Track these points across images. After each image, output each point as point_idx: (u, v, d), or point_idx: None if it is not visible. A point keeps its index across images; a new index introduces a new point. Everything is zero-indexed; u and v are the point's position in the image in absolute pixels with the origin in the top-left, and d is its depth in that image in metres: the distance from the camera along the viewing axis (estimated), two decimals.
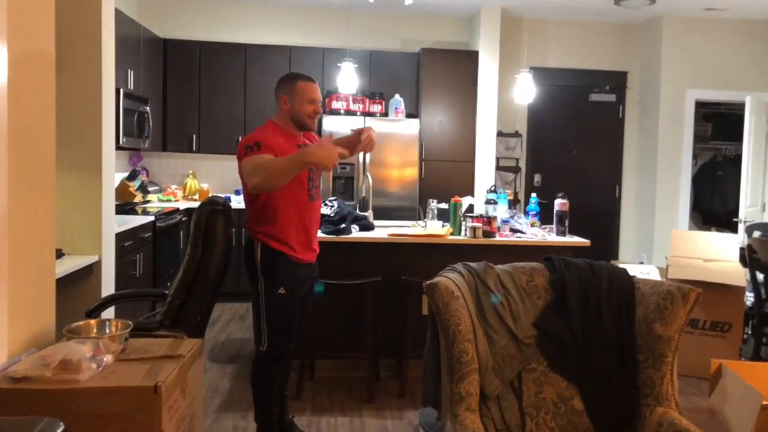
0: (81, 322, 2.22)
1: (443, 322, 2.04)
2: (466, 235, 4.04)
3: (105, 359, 1.95)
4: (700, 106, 6.96)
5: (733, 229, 6.21)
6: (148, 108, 5.42)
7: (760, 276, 4.33)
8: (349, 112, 6.15)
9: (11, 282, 1.90)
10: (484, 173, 6.42)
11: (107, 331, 2.21)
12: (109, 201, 3.63)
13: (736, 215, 6.17)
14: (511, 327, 2.13)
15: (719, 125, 7.45)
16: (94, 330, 2.21)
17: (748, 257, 4.28)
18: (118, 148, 4.87)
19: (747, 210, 6.01)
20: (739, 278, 4.14)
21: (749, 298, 4.39)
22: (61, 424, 1.25)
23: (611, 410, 2.07)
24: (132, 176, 5.56)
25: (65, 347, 1.93)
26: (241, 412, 3.49)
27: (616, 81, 7.14)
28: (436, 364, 2.19)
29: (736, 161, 6.92)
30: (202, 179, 6.64)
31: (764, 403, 2.52)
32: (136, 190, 5.50)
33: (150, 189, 6.03)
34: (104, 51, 3.44)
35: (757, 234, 4.88)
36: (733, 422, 2.68)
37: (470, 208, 4.56)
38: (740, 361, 3.90)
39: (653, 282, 2.23)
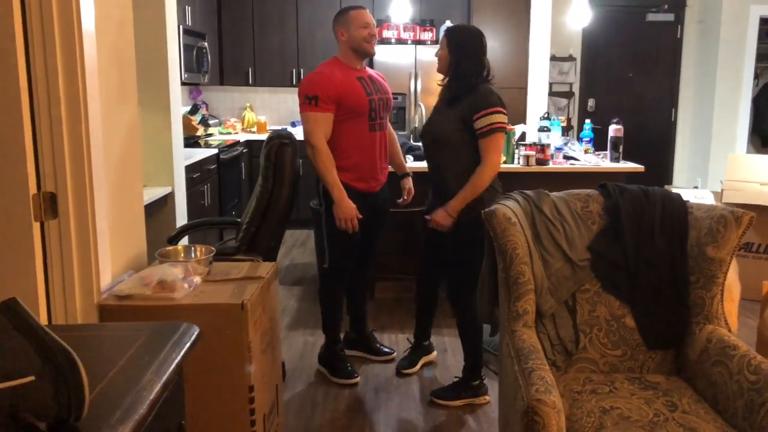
0: (170, 248, 2.44)
1: (501, 246, 2.17)
2: (519, 163, 4.11)
3: (195, 280, 2.17)
4: (764, 22, 6.65)
5: None
6: (206, 43, 5.55)
7: None
8: (400, 41, 6.14)
9: (110, 211, 2.10)
10: (537, 100, 6.34)
11: (193, 255, 2.43)
12: (178, 135, 3.82)
13: None
14: (566, 250, 2.25)
15: None
16: (182, 254, 2.43)
17: None
18: (181, 83, 5.05)
19: None
20: None
21: None
22: (197, 328, 1.38)
23: (661, 328, 2.19)
24: (193, 110, 5.75)
25: (160, 269, 2.14)
26: (310, 329, 3.76)
27: None
28: (493, 284, 2.35)
29: None
30: (258, 112, 6.81)
31: None
32: (198, 123, 5.71)
33: (210, 122, 6.24)
34: None
35: None
36: None
37: (523, 135, 4.60)
38: None
39: (707, 206, 2.29)
